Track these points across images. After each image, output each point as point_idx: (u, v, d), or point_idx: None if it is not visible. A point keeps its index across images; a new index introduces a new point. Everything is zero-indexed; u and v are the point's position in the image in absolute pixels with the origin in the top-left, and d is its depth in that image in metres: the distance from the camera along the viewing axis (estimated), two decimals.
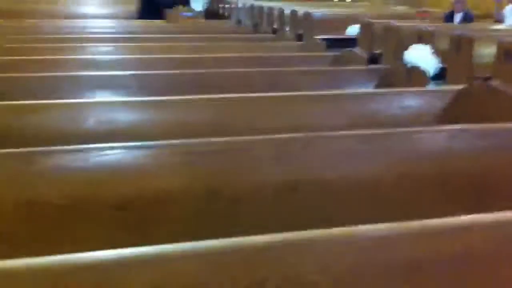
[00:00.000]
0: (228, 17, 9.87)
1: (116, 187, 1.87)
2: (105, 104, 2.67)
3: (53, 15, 8.51)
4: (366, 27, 7.13)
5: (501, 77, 3.99)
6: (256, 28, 7.91)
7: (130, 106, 2.65)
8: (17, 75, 3.39)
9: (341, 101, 2.83)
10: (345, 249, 1.25)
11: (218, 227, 1.82)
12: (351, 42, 7.11)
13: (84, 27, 6.65)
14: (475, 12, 8.24)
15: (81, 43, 4.93)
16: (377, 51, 6.75)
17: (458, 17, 7.13)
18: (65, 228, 1.86)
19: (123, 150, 1.92)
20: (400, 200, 2.04)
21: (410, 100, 2.95)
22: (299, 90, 3.25)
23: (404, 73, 3.57)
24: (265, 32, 6.53)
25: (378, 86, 3.58)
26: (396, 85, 3.55)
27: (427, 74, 3.59)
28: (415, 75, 3.54)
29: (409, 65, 3.59)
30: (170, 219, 1.86)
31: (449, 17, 7.24)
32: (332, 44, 5.08)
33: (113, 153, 1.91)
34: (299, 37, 8.04)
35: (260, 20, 10.70)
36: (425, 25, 6.19)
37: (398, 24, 6.45)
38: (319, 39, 5.87)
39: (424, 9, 9.44)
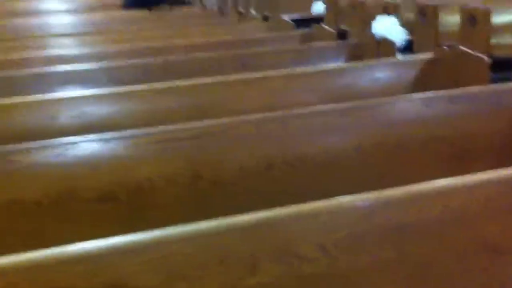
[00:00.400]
0: (191, 3, 9.76)
1: (97, 180, 1.86)
2: (76, 98, 2.62)
3: (15, 12, 8.32)
4: (331, 3, 7.14)
5: (467, 42, 4.05)
6: (221, 11, 7.85)
7: (101, 98, 2.61)
8: None
9: (313, 78, 2.83)
10: (335, 219, 1.27)
11: (202, 210, 1.81)
12: (317, 21, 7.12)
13: (46, 23, 6.52)
14: None
15: (45, 39, 4.83)
16: (344, 27, 6.79)
17: None
18: (48, 225, 1.83)
19: (100, 142, 1.90)
20: (380, 168, 2.07)
21: (381, 72, 2.98)
22: (271, 70, 3.25)
23: (373, 45, 3.59)
24: (231, 16, 6.48)
25: (348, 60, 3.60)
26: (365, 58, 3.57)
27: (395, 45, 3.60)
28: (383, 47, 3.57)
29: (377, 37, 3.60)
30: (154, 207, 1.86)
31: None
32: (299, 23, 5.07)
33: (90, 146, 1.89)
34: (265, 18, 8.01)
35: (225, 4, 10.65)
36: None
37: None
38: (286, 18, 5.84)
39: None
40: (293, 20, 4.94)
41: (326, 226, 1.27)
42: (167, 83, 2.74)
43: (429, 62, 3.00)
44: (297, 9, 8.38)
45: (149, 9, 7.43)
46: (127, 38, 4.70)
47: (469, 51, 2.79)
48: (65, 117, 2.50)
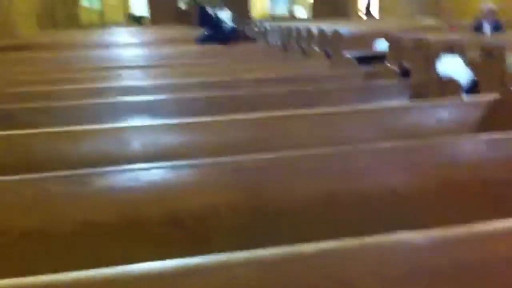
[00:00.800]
0: (256, 39, 10.03)
1: (165, 205, 1.96)
2: (147, 127, 2.77)
3: (90, 45, 8.79)
4: (394, 41, 7.18)
5: None
6: (285, 48, 8.02)
7: (171, 128, 2.74)
8: (61, 103, 3.53)
9: (376, 115, 2.87)
10: (395, 254, 1.30)
11: (266, 238, 1.87)
12: (379, 57, 7.16)
13: (120, 55, 6.86)
14: (504, 19, 8.19)
15: (119, 70, 5.08)
16: (407, 65, 6.79)
17: (487, 27, 7.10)
18: (119, 246, 1.94)
19: (169, 170, 2.01)
20: (442, 208, 2.07)
21: (445, 112, 2.98)
22: (335, 106, 3.32)
23: (437, 84, 3.59)
24: (294, 52, 6.61)
25: (411, 98, 3.61)
26: (429, 97, 3.58)
27: (460, 85, 3.59)
28: (448, 87, 3.56)
29: (441, 77, 3.61)
30: (219, 233, 1.93)
31: (478, 27, 7.21)
32: (361, 60, 5.12)
33: (160, 173, 2.00)
34: (328, 55, 8.12)
35: (289, 40, 10.85)
36: (455, 37, 6.19)
37: (427, 36, 6.46)
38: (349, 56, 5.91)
39: (452, 20, 9.43)
40: (355, 57, 4.99)
41: (387, 261, 1.30)
42: (235, 115, 2.85)
43: (495, 103, 2.98)
44: (359, 46, 8.46)
45: (219, 44, 7.71)
46: (197, 71, 4.88)
47: None
48: (137, 144, 2.64)
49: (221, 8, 12.35)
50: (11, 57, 6.87)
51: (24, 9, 14.76)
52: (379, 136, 2.80)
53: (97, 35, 11.23)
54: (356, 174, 2.06)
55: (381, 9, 16.26)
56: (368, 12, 17.99)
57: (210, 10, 12.29)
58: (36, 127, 3.06)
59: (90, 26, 18.33)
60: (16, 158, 2.51)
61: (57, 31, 15.00)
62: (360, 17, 18.11)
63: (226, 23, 11.71)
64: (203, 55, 6.46)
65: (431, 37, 6.55)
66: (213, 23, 8.67)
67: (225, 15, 12.08)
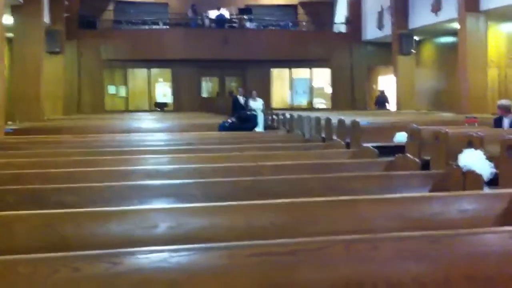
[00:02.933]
0: (277, 127, 10.27)
1: (193, 286, 1.97)
2: (175, 210, 2.83)
3: (115, 130, 9.06)
4: (414, 134, 7.30)
5: None
6: (305, 136, 8.20)
7: (197, 212, 2.79)
8: (88, 184, 3.62)
9: (400, 205, 2.91)
10: None
11: None
12: (398, 149, 7.26)
13: (145, 140, 7.06)
14: None
15: (144, 154, 5.22)
16: (427, 157, 6.86)
17: (507, 122, 7.21)
18: None
19: (197, 252, 2.04)
20: None
21: (468, 204, 3.00)
22: (356, 195, 3.36)
23: (459, 177, 3.63)
24: (314, 140, 6.75)
25: (433, 190, 3.65)
26: (451, 189, 3.61)
27: (482, 178, 3.63)
28: (470, 179, 3.60)
29: (463, 170, 3.65)
30: None
31: (498, 122, 7.32)
32: (381, 151, 5.20)
33: (189, 254, 2.03)
34: (348, 145, 8.25)
35: (309, 129, 11.07)
36: (475, 131, 6.29)
37: (447, 130, 6.57)
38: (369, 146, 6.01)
39: (471, 115, 9.58)
40: (375, 147, 5.07)
41: None
42: (258, 201, 2.90)
43: None
44: (378, 137, 8.61)
45: (242, 131, 7.93)
46: (221, 156, 5.00)
47: None
48: (164, 227, 2.69)
49: (254, 98, 12.81)
50: (39, 139, 7.10)
51: (52, 94, 15.38)
52: (401, 226, 2.81)
53: (122, 120, 11.57)
54: (379, 262, 2.07)
55: (398, 102, 16.61)
56: (380, 104, 18.41)
57: (241, 99, 12.80)
58: (64, 208, 3.15)
59: (115, 111, 18.91)
60: (46, 237, 2.56)
61: (83, 115, 15.49)
62: (375, 108, 18.49)
63: (255, 112, 12.13)
64: (226, 141, 6.62)
65: (450, 130, 6.65)
66: (241, 112, 8.98)
67: (256, 105, 12.54)
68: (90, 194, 3.44)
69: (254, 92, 13.58)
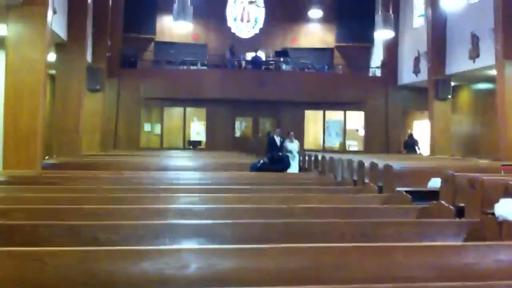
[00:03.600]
0: (309, 169, 10.25)
1: None
2: (206, 250, 2.84)
3: (149, 167, 9.19)
4: (449, 180, 7.18)
5: None
6: (337, 179, 8.15)
7: (228, 253, 2.80)
8: (123, 222, 3.68)
9: (434, 253, 2.86)
10: None
11: None
12: (431, 194, 7.14)
13: (177, 178, 7.13)
14: None
15: (176, 193, 5.27)
16: (461, 204, 6.73)
17: None
18: None
19: None
20: None
21: (504, 254, 2.94)
22: (389, 241, 3.32)
23: (495, 226, 3.56)
24: (346, 183, 6.71)
25: (467, 239, 3.58)
26: (486, 238, 3.54)
27: None
28: (506, 229, 3.53)
29: (499, 219, 3.58)
30: None
31: None
32: (414, 196, 5.13)
33: None
34: (380, 189, 8.16)
35: (341, 172, 11.01)
36: (509, 178, 6.17)
37: (483, 177, 6.46)
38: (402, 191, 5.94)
39: (508, 162, 9.40)
40: (408, 193, 5.01)
41: None
42: (290, 245, 2.89)
43: None
44: (411, 182, 8.49)
45: (273, 171, 7.95)
46: (252, 197, 5.01)
47: None
48: (195, 267, 2.70)
49: (291, 139, 12.91)
50: (76, 175, 7.25)
51: (89, 129, 15.75)
52: (435, 275, 2.76)
53: (156, 158, 11.74)
54: None
55: (433, 147, 16.43)
56: (410, 147, 18.23)
57: (278, 140, 12.87)
58: (98, 244, 3.20)
59: (150, 148, 19.21)
60: (78, 274, 2.61)
61: (119, 151, 15.77)
62: (405, 152, 18.31)
63: (292, 153, 12.16)
64: (258, 182, 6.64)
65: (486, 177, 6.53)
66: (273, 153, 9.01)
67: (293, 146, 12.63)
68: (124, 231, 3.50)
69: (291, 133, 13.54)
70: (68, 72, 13.46)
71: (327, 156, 12.39)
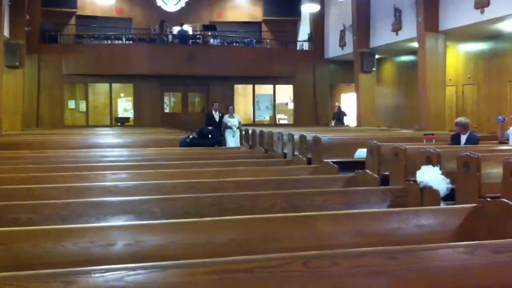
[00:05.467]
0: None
1: None
2: (133, 227, 2.78)
3: (74, 146, 8.89)
4: (374, 150, 7.41)
5: (509, 195, 4.11)
6: (267, 152, 8.21)
7: (155, 229, 2.75)
8: (45, 201, 3.54)
9: (359, 221, 2.93)
10: None
11: None
12: (358, 165, 7.35)
13: (104, 156, 6.95)
14: (479, 134, 8.57)
15: (102, 170, 5.13)
16: (386, 173, 6.97)
17: (463, 139, 7.39)
18: None
19: (156, 270, 2.01)
20: None
21: (425, 219, 3.05)
22: (317, 211, 3.38)
23: (417, 192, 3.70)
24: (276, 156, 6.78)
25: (391, 206, 3.70)
26: (409, 204, 3.67)
27: (439, 194, 3.70)
28: (427, 195, 3.67)
29: (421, 185, 3.72)
30: None
31: (455, 139, 7.50)
32: (341, 167, 5.25)
33: (146, 272, 1.99)
34: (309, 161, 8.30)
35: (270, 145, 11.11)
36: (432, 147, 6.42)
37: (406, 146, 6.69)
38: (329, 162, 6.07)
39: (430, 132, 9.79)
40: (336, 164, 5.12)
41: None
42: (219, 218, 2.88)
43: (473, 212, 3.07)
44: (338, 154, 8.70)
45: (202, 147, 7.88)
46: (180, 173, 4.95)
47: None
48: (121, 244, 2.64)
49: (230, 114, 12.04)
50: None
51: (10, 109, 15.04)
52: (360, 241, 2.84)
53: (81, 136, 11.39)
54: (338, 278, 2.08)
55: (359, 119, 16.87)
56: (338, 119, 18.74)
57: (216, 115, 12.12)
58: (19, 225, 3.06)
59: (75, 126, 18.60)
60: (0, 255, 2.49)
61: (42, 130, 15.18)
62: (335, 123, 18.78)
63: (231, 129, 11.63)
64: (187, 157, 6.57)
65: (409, 146, 6.77)
66: (202, 127, 8.82)
67: (233, 121, 11.84)
68: (47, 211, 3.36)
69: (230, 108, 12.50)
70: None
71: (257, 129, 12.45)
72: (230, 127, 11.83)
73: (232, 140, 11.68)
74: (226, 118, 11.91)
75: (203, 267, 1.99)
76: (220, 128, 11.77)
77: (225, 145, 11.20)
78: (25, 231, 2.65)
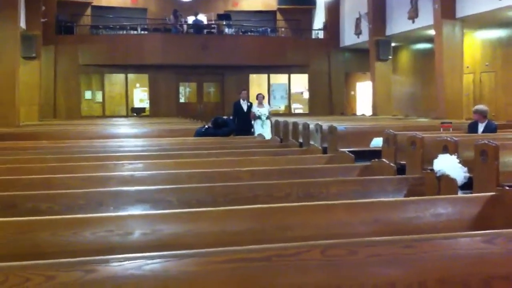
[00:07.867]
0: (254, 133, 10.18)
1: None
2: (150, 216, 2.81)
3: (91, 136, 8.97)
4: (390, 139, 7.37)
5: None
6: (282, 141, 8.21)
7: (171, 218, 2.78)
8: (64, 191, 3.58)
9: (375, 209, 2.93)
10: None
11: None
12: (374, 154, 7.33)
13: (121, 146, 7.00)
14: (497, 122, 8.48)
15: (119, 160, 5.17)
16: (403, 161, 6.94)
17: (481, 127, 7.32)
18: None
19: (173, 259, 2.02)
20: None
21: (442, 208, 3.04)
22: (333, 200, 3.38)
23: (434, 181, 3.68)
24: (291, 145, 6.77)
25: (408, 195, 3.68)
26: (426, 193, 3.65)
27: (456, 183, 3.67)
28: (444, 184, 3.65)
29: (438, 174, 3.69)
30: None
31: (473, 127, 7.43)
32: (356, 156, 5.24)
33: (163, 261, 2.01)
34: (325, 150, 8.28)
35: (286, 134, 11.08)
36: (450, 136, 6.37)
37: (422, 135, 6.65)
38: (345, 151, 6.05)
39: (447, 120, 9.71)
40: (352, 153, 5.10)
41: None
42: (235, 207, 2.89)
43: (490, 201, 3.05)
44: (355, 142, 8.67)
45: (218, 136, 7.88)
46: (196, 162, 4.98)
47: None
48: (138, 233, 2.67)
49: (260, 103, 10.85)
50: (13, 146, 7.00)
51: (27, 100, 15.19)
52: (377, 230, 2.84)
53: (98, 126, 11.48)
54: (355, 267, 2.08)
55: (375, 108, 16.77)
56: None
57: (245, 105, 10.97)
58: (39, 215, 3.10)
59: (92, 117, 18.74)
60: (19, 244, 2.53)
61: (59, 121, 15.33)
62: (354, 114, 18.71)
63: (260, 118, 10.76)
64: (202, 147, 6.59)
65: (425, 135, 6.73)
66: (217, 117, 8.71)
67: (262, 111, 10.78)
68: (66, 200, 3.40)
69: (260, 96, 11.14)
70: (1, 39, 12.83)
71: (273, 119, 12.42)
72: (259, 117, 10.74)
73: (262, 131, 10.31)
74: (255, 108, 10.87)
75: (220, 256, 2.00)
76: (249, 118, 10.75)
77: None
78: (44, 221, 2.69)
